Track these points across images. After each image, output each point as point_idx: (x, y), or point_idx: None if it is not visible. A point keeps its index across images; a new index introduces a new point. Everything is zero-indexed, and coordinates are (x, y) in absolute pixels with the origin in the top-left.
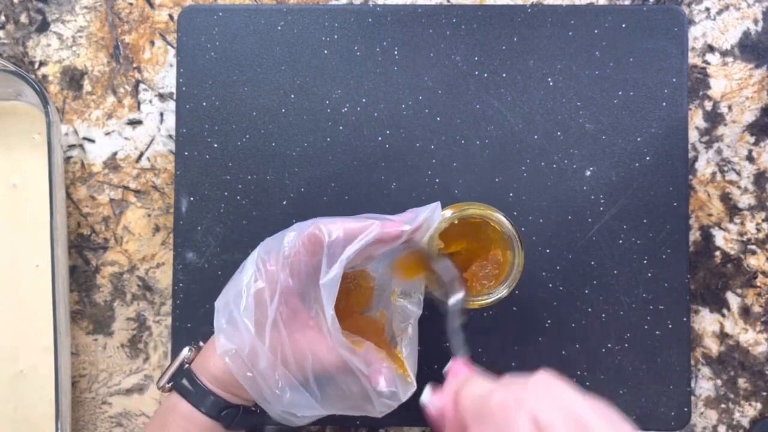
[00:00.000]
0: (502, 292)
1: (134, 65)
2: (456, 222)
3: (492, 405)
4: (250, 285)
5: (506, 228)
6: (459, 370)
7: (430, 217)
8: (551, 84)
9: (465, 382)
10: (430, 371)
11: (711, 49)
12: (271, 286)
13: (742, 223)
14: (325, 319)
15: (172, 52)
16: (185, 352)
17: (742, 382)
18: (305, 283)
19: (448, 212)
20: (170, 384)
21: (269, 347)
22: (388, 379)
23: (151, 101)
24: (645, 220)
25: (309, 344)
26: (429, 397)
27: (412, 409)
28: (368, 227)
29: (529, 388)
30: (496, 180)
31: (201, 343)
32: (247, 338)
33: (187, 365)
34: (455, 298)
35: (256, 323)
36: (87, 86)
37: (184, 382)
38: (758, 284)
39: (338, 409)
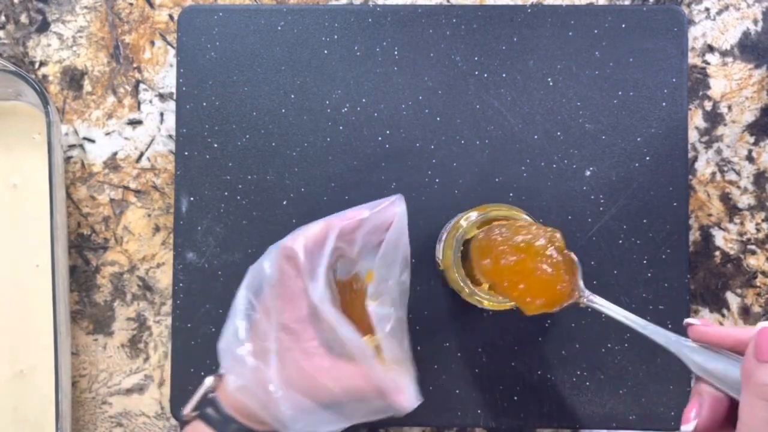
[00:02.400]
0: None
1: (134, 65)
2: (481, 225)
3: None
4: (245, 318)
5: None
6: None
7: (391, 207)
8: (551, 84)
9: None
10: (430, 371)
11: (711, 49)
12: (266, 316)
13: (742, 223)
14: (345, 341)
15: (172, 52)
16: (209, 381)
17: None
18: (299, 306)
19: (473, 214)
20: (196, 413)
21: (278, 378)
22: (408, 396)
23: (151, 101)
24: (645, 220)
25: (317, 372)
26: None
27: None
28: (328, 227)
29: None
30: (496, 180)
31: (222, 371)
32: (254, 373)
33: (211, 394)
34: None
35: (259, 355)
36: (87, 86)
37: (210, 411)
38: (758, 284)
39: (360, 418)
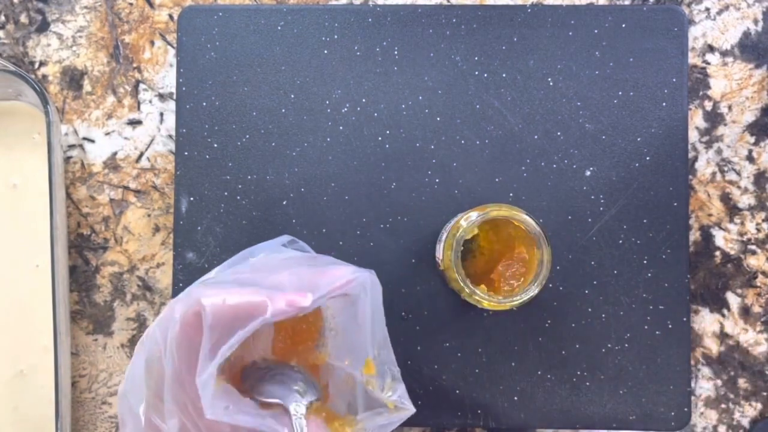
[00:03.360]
0: (534, 290)
1: (134, 65)
2: (480, 225)
3: None
4: (145, 363)
5: (531, 227)
6: None
7: (360, 286)
8: (551, 84)
9: None
10: (430, 371)
11: (711, 49)
12: (164, 365)
13: (742, 223)
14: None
15: (172, 52)
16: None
17: (742, 382)
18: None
19: (474, 214)
20: None
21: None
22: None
23: (151, 101)
24: (645, 220)
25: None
26: None
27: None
28: (254, 309)
29: None
30: (496, 180)
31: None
32: (148, 428)
33: None
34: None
35: (156, 405)
36: (87, 86)
37: None
38: (758, 284)
39: None
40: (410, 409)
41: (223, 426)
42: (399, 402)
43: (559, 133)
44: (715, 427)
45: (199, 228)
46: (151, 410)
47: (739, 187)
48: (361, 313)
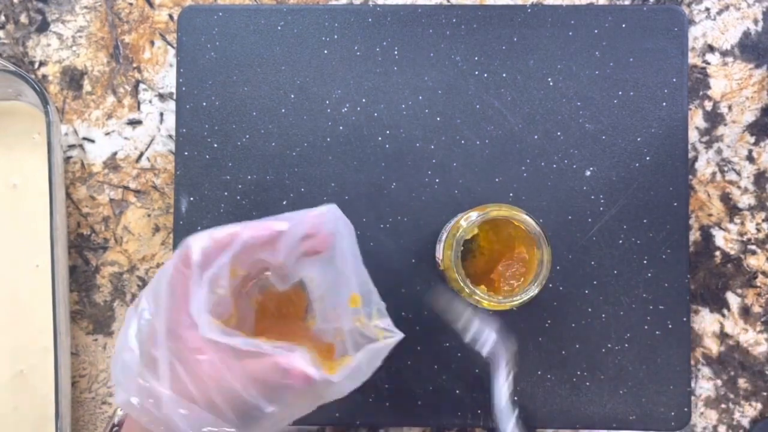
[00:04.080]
0: (534, 290)
1: (134, 65)
2: (480, 225)
3: None
4: (137, 322)
5: (531, 227)
6: None
7: (327, 220)
8: (551, 84)
9: None
10: (430, 371)
11: (711, 49)
12: (156, 318)
13: (742, 223)
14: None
15: (172, 52)
16: (120, 413)
17: (742, 382)
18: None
19: (474, 214)
20: None
21: (171, 387)
22: (303, 359)
23: (151, 101)
24: (645, 220)
25: (212, 372)
26: None
27: (411, 409)
28: (233, 235)
29: None
30: (496, 180)
31: (112, 382)
32: (143, 384)
33: (116, 428)
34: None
35: (148, 363)
36: (87, 86)
37: None
38: (758, 284)
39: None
40: (398, 334)
41: (211, 354)
42: (387, 329)
43: (559, 133)
44: (715, 427)
45: (199, 228)
46: (144, 371)
47: (739, 187)
48: (339, 255)
